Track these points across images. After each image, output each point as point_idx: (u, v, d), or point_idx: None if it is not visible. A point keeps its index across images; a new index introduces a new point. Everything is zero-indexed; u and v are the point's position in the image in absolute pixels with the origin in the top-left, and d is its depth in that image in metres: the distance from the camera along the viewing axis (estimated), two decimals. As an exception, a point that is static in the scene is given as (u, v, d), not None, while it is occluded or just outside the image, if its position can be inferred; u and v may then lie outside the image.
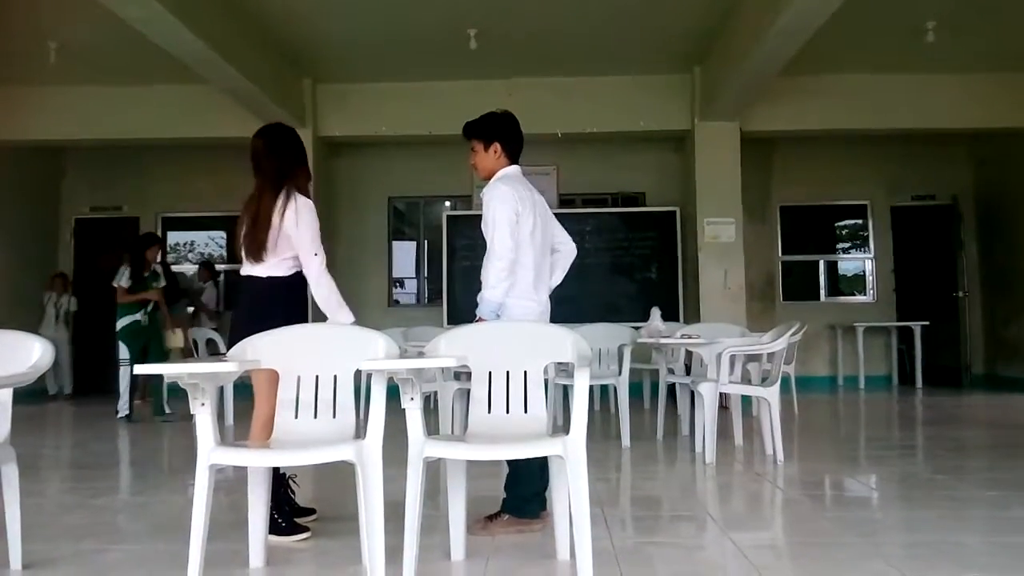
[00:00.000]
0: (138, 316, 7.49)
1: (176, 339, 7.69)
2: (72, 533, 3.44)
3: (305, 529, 3.27)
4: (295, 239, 3.26)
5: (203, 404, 2.52)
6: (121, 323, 7.49)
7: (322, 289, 3.30)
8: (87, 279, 10.32)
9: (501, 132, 3.47)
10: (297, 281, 3.33)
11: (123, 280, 7.49)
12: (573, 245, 3.63)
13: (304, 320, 3.33)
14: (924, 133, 9.53)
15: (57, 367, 9.43)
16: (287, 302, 3.30)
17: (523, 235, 3.34)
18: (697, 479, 4.56)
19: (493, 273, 3.28)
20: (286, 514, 3.26)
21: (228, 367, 2.65)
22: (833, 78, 8.65)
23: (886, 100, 8.74)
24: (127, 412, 7.44)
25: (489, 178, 3.48)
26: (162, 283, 7.72)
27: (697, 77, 8.79)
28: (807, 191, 10.46)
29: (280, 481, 3.40)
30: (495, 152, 3.45)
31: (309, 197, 3.37)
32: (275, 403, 3.08)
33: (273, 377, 2.87)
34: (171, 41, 6.40)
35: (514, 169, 3.48)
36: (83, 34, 7.35)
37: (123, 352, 7.48)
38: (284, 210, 3.25)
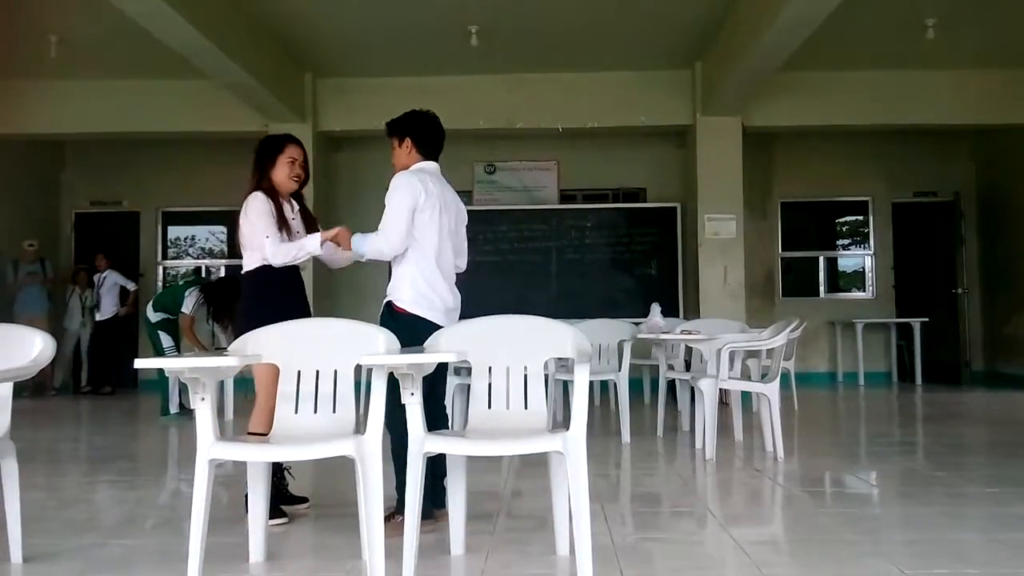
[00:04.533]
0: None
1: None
2: (73, 527, 3.45)
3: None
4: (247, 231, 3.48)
5: (203, 399, 2.52)
6: (157, 316, 7.29)
7: (278, 259, 3.44)
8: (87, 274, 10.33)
9: (413, 129, 3.59)
10: (266, 270, 3.47)
11: (191, 309, 7.18)
12: (464, 266, 3.63)
13: (299, 305, 3.50)
14: (926, 129, 9.52)
15: (62, 359, 9.37)
16: (263, 290, 3.47)
17: (422, 225, 3.39)
18: (697, 475, 4.57)
19: (376, 245, 3.42)
20: None
21: (228, 362, 2.65)
22: (835, 74, 8.62)
23: (888, 96, 8.71)
24: (178, 408, 7.15)
25: None
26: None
27: (698, 72, 8.76)
28: (808, 187, 10.44)
29: (280, 474, 3.41)
30: (407, 148, 3.59)
31: (268, 190, 3.53)
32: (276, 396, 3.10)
33: (273, 371, 2.88)
34: (171, 35, 6.39)
35: (430, 165, 3.58)
36: (84, 28, 7.33)
37: (166, 341, 7.26)
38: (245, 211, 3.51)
